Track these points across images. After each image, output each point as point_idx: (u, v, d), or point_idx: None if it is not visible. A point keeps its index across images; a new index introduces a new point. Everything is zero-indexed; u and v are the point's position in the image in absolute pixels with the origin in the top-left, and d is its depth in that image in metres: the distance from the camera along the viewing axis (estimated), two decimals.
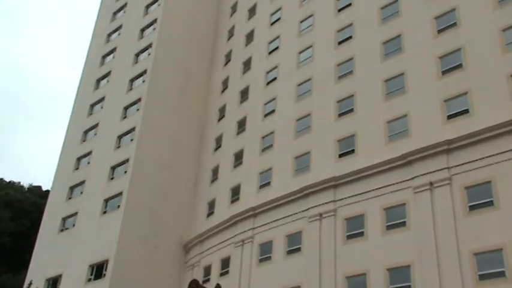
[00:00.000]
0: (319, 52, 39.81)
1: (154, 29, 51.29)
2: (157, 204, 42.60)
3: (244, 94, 45.06)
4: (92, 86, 54.10)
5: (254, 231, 36.59)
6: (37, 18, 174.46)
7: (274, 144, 39.03)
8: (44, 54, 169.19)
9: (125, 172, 43.17)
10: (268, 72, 43.47)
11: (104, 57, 55.72)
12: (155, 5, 53.56)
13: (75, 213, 45.26)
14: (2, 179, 68.00)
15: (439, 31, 32.60)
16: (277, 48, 44.00)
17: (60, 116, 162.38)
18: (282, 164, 37.28)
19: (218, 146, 45.53)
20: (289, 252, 33.69)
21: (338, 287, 29.89)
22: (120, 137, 46.37)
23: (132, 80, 49.57)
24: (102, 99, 51.68)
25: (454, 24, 32.04)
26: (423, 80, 31.82)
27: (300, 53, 41.35)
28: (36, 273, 44.19)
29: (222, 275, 37.84)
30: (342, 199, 32.35)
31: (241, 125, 43.42)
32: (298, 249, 33.20)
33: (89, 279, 40.01)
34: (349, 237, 31.01)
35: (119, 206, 41.51)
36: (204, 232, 41.01)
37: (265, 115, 41.38)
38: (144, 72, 48.52)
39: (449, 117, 29.61)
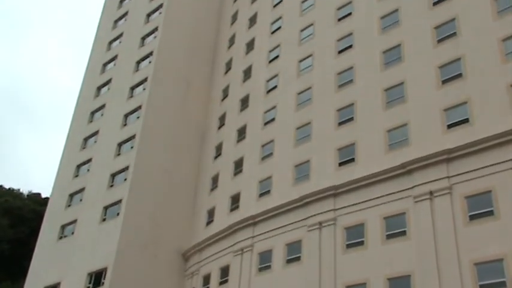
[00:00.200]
0: (319, 61, 39.92)
1: (155, 37, 51.46)
2: (156, 212, 42.51)
3: (244, 102, 45.12)
4: (92, 94, 54.19)
5: (254, 240, 36.48)
6: (38, 26, 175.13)
7: (274, 153, 39.02)
8: (45, 61, 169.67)
9: (125, 180, 43.11)
10: (268, 81, 43.56)
11: (105, 64, 55.87)
12: (156, 14, 53.80)
13: (75, 221, 45.14)
14: (1, 186, 68.04)
15: (439, 41, 32.71)
16: (277, 56, 44.13)
17: (61, 123, 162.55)
18: (282, 172, 37.25)
19: (218, 154, 45.52)
20: (289, 261, 33.55)
21: None
22: (120, 145, 46.37)
23: (132, 88, 49.67)
24: (102, 107, 51.75)
25: (454, 34, 32.15)
26: (423, 89, 31.87)
27: (300, 61, 41.45)
28: (35, 281, 44.03)
29: (221, 283, 37.69)
30: (342, 208, 32.28)
31: (241, 133, 43.44)
32: (298, 258, 33.08)
33: None
34: (349, 246, 30.91)
35: (118, 214, 41.41)
36: (204, 240, 40.88)
37: (265, 123, 41.41)
38: (145, 80, 48.63)
39: (449, 126, 29.63)
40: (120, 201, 41.97)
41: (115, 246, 39.19)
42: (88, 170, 47.94)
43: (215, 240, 39.88)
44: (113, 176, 44.73)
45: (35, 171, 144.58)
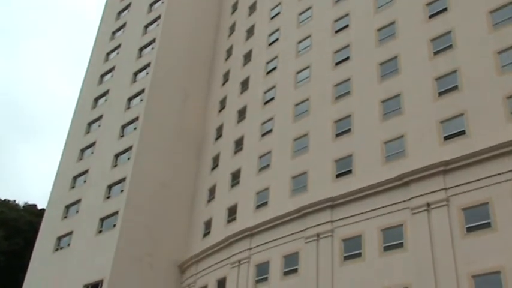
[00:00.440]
0: (316, 73, 40.09)
1: (153, 48, 51.64)
2: (153, 223, 42.33)
3: (241, 114, 45.19)
4: (89, 105, 54.20)
5: (251, 252, 36.32)
6: (37, 36, 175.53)
7: (271, 164, 39.00)
8: (42, 71, 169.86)
9: (121, 191, 42.98)
10: (265, 92, 43.69)
11: (103, 75, 55.97)
12: (154, 25, 54.02)
13: (70, 233, 44.89)
14: None
15: (435, 53, 32.93)
16: (274, 68, 44.30)
17: (57, 134, 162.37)
18: (279, 183, 37.21)
19: (215, 165, 45.46)
20: (286, 273, 33.38)
21: None
22: (117, 156, 46.29)
23: (130, 99, 49.72)
24: (99, 118, 51.74)
25: (450, 47, 32.38)
26: (420, 101, 32.00)
27: (298, 73, 41.62)
28: None
29: None
30: (339, 220, 32.22)
31: (239, 144, 43.45)
32: (295, 270, 32.92)
33: None
34: (347, 258, 30.81)
35: (114, 226, 41.23)
36: (200, 252, 40.68)
37: (263, 135, 41.44)
38: (142, 91, 48.70)
39: (446, 138, 29.71)
40: (116, 212, 41.80)
41: (111, 258, 38.94)
42: (84, 181, 47.78)
43: (212, 252, 39.69)
44: (110, 187, 44.58)
45: (31, 182, 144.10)
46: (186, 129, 48.78)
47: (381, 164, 31.94)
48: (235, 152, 43.38)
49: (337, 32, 40.58)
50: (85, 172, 48.35)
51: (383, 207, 30.31)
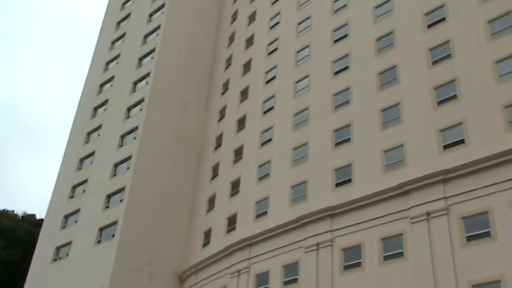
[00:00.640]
0: (315, 82, 40.22)
1: (152, 58, 51.80)
2: (152, 233, 42.20)
3: (241, 123, 45.25)
4: (89, 114, 54.26)
5: (250, 261, 36.20)
6: (36, 46, 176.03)
7: (271, 173, 38.99)
8: (41, 81, 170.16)
9: (121, 201, 42.91)
10: (265, 102, 43.78)
11: (102, 85, 56.08)
12: (153, 35, 54.25)
13: (69, 243, 44.73)
14: None
15: (434, 62, 33.09)
16: (274, 78, 44.43)
17: (57, 144, 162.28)
18: (279, 193, 37.19)
19: (215, 174, 45.44)
20: (286, 283, 33.25)
21: None
22: (116, 165, 46.25)
23: (129, 109, 49.79)
24: (99, 127, 51.78)
25: (449, 56, 32.54)
26: (419, 110, 32.10)
27: (297, 82, 41.75)
28: None
29: None
30: (339, 229, 32.17)
31: (238, 153, 43.46)
32: (295, 280, 32.80)
33: None
34: (347, 267, 30.72)
35: (113, 235, 41.10)
36: (200, 262, 40.54)
37: (262, 144, 41.47)
38: (142, 100, 48.78)
39: (446, 147, 29.77)
40: (115, 222, 41.69)
41: (110, 268, 38.78)
42: (84, 191, 47.71)
43: (212, 261, 39.56)
44: (109, 197, 44.51)
45: (30, 192, 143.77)
46: (186, 139, 48.80)
47: (381, 173, 31.97)
48: (235, 161, 43.39)
49: (336, 41, 40.78)
50: (84, 182, 48.29)
51: (383, 216, 30.28)
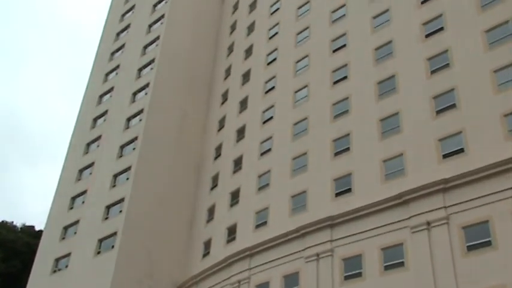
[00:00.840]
0: (314, 92, 40.30)
1: (151, 68, 51.93)
2: (152, 244, 42.03)
3: (240, 133, 45.27)
4: (88, 125, 54.26)
5: (251, 272, 36.01)
6: (36, 57, 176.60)
7: (270, 183, 38.93)
8: (41, 92, 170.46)
9: (120, 212, 42.79)
10: (264, 112, 43.84)
11: (102, 96, 56.16)
12: (153, 46, 54.42)
13: (69, 254, 44.52)
14: None
15: (432, 72, 33.19)
16: (273, 87, 44.53)
17: (56, 155, 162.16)
18: (279, 203, 37.11)
19: (214, 185, 45.36)
20: None
21: None
22: (115, 176, 46.18)
23: (128, 119, 49.80)
24: (98, 138, 51.77)
25: (447, 65, 32.65)
26: (418, 120, 32.15)
27: (296, 92, 41.83)
28: None
29: None
30: (339, 239, 32.06)
31: (238, 163, 43.43)
32: None
33: None
34: (347, 277, 30.57)
35: (113, 247, 40.91)
36: (200, 273, 40.34)
37: (262, 154, 41.45)
38: (141, 111, 48.82)
39: (445, 156, 29.77)
40: (115, 233, 41.53)
41: (110, 280, 38.54)
42: (83, 202, 47.59)
43: (212, 272, 39.35)
44: (108, 208, 44.40)
45: (29, 203, 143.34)
46: (185, 149, 48.79)
47: (380, 182, 31.93)
48: (235, 172, 43.33)
49: (334, 51, 40.92)
50: (84, 193, 48.19)
51: (383, 226, 30.20)
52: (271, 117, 42.70)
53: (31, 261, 49.20)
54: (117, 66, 57.02)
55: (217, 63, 56.03)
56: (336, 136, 36.35)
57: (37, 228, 66.92)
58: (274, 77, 45.02)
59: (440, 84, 32.24)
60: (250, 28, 52.24)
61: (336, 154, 35.64)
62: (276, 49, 46.83)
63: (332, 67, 40.10)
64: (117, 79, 55.56)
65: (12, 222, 69.04)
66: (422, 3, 36.55)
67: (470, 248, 26.37)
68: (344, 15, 42.09)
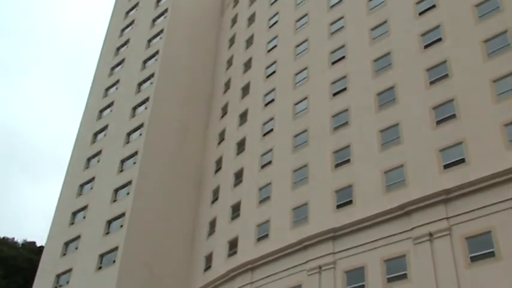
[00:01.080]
0: (314, 104, 40.34)
1: (151, 83, 52.09)
2: (153, 258, 41.83)
3: (240, 146, 45.25)
4: (89, 140, 54.30)
5: (252, 286, 35.73)
6: (36, 72, 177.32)
7: (271, 196, 38.81)
8: (41, 108, 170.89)
9: (121, 226, 42.65)
10: (264, 124, 43.85)
11: (102, 110, 56.29)
12: (152, 60, 54.66)
13: (70, 270, 44.30)
14: None
15: (432, 82, 33.24)
16: (273, 100, 44.60)
17: (57, 170, 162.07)
18: (280, 215, 36.96)
19: (215, 198, 45.24)
20: None
21: None
22: (116, 191, 46.12)
23: (129, 134, 49.87)
24: (99, 153, 51.78)
25: (446, 76, 32.70)
26: (418, 130, 32.12)
27: (296, 104, 41.88)
28: None
29: None
30: (341, 251, 31.86)
31: (238, 176, 43.34)
32: None
33: None
34: None
35: (114, 262, 40.72)
36: (202, 287, 40.06)
37: (262, 166, 41.38)
38: (141, 125, 48.89)
39: (446, 166, 29.69)
40: (116, 248, 41.36)
41: None
42: (84, 217, 47.46)
43: (213, 286, 39.08)
44: (109, 222, 44.27)
45: (31, 220, 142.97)
46: (186, 163, 48.75)
47: (382, 193, 31.81)
48: (235, 185, 43.23)
49: (333, 63, 41.04)
50: (84, 208, 48.07)
51: (385, 237, 30.03)
52: (271, 130, 42.72)
53: (32, 278, 48.94)
54: (117, 81, 57.21)
55: (216, 77, 56.21)
56: (336, 148, 36.31)
57: (38, 244, 66.68)
58: (273, 90, 45.11)
59: (440, 94, 32.27)
60: (249, 41, 52.48)
61: (337, 166, 35.57)
62: (275, 62, 46.99)
63: (331, 79, 40.19)
64: (117, 94, 55.72)
65: (14, 238, 68.85)
66: (420, 14, 36.73)
67: (473, 259, 26.18)
68: (342, 27, 42.29)
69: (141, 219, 42.83)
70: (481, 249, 26.07)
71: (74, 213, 48.80)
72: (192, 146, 50.30)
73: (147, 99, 50.75)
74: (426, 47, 34.96)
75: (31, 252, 63.24)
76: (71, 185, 51.89)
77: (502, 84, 29.77)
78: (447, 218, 27.90)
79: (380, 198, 31.66)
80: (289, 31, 47.38)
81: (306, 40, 44.96)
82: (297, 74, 43.71)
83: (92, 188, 49.30)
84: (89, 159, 52.49)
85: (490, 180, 27.02)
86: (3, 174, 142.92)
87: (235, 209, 41.55)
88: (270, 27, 50.37)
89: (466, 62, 32.13)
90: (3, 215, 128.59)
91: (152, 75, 52.55)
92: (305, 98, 41.38)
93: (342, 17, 42.83)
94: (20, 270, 59.97)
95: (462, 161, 29.20)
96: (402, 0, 38.53)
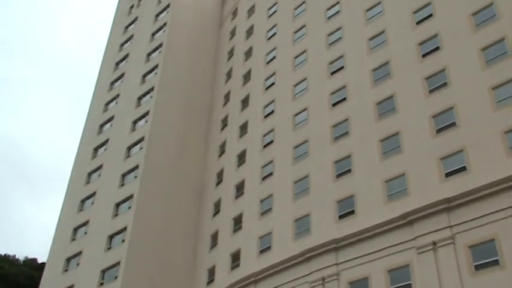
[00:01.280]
0: (314, 114, 40.36)
1: (151, 97, 52.19)
2: (156, 273, 41.56)
3: (241, 158, 45.20)
4: (89, 155, 54.29)
5: None
6: (36, 90, 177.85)
7: (273, 208, 38.68)
8: (41, 123, 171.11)
9: (123, 241, 42.43)
10: (264, 136, 43.84)
11: (102, 125, 56.37)
12: (152, 74, 54.83)
13: (71, 286, 43.98)
14: None
15: (431, 91, 33.27)
16: (272, 112, 44.63)
17: (58, 186, 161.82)
18: (282, 227, 36.80)
19: (217, 211, 45.09)
20: None
21: None
22: (118, 205, 45.99)
23: (129, 148, 49.86)
24: (99, 167, 51.72)
25: (445, 84, 32.74)
26: (419, 139, 32.08)
27: (295, 115, 41.90)
28: None
29: None
30: (345, 262, 31.66)
31: (239, 188, 43.23)
32: None
33: None
34: None
35: (116, 277, 40.44)
36: None
37: (263, 178, 41.29)
38: (142, 139, 48.90)
39: (447, 174, 29.61)
40: (118, 263, 41.13)
41: None
42: (85, 232, 47.27)
43: None
44: (111, 237, 44.06)
45: (32, 236, 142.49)
46: (187, 176, 48.68)
47: (384, 203, 31.69)
48: (237, 197, 43.12)
49: (332, 73, 41.13)
50: (86, 223, 47.90)
51: (388, 247, 29.86)
52: (272, 141, 42.69)
53: None
54: (117, 96, 57.35)
55: (216, 89, 56.34)
56: (336, 158, 36.25)
57: (40, 261, 66.43)
58: (273, 101, 45.17)
59: (439, 103, 32.28)
60: (248, 53, 52.68)
61: (338, 176, 35.49)
62: (274, 73, 47.11)
63: (330, 89, 40.25)
64: (117, 108, 55.83)
65: (15, 255, 68.64)
66: (417, 23, 36.89)
67: (478, 268, 25.99)
68: (340, 37, 42.45)
69: (143, 233, 42.65)
70: (485, 257, 25.89)
71: (75, 229, 48.61)
72: (193, 159, 50.27)
73: (147, 113, 50.83)
74: (424, 55, 35.06)
75: (32, 269, 62.99)
76: (72, 200, 51.77)
77: (501, 91, 29.80)
78: (450, 227, 27.75)
79: (382, 207, 31.54)
80: (288, 43, 47.58)
81: (305, 51, 45.12)
82: (296, 85, 43.80)
83: (93, 203, 49.18)
84: (89, 174, 52.44)
85: (491, 187, 26.91)
86: (4, 191, 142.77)
87: (237, 222, 41.39)
88: (269, 39, 50.59)
89: (464, 70, 32.19)
90: (4, 232, 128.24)
91: (152, 89, 52.69)
92: (305, 109, 41.42)
93: (339, 28, 43.02)
94: (21, 287, 59.65)
95: (463, 169, 29.12)
96: (399, 9, 38.73)
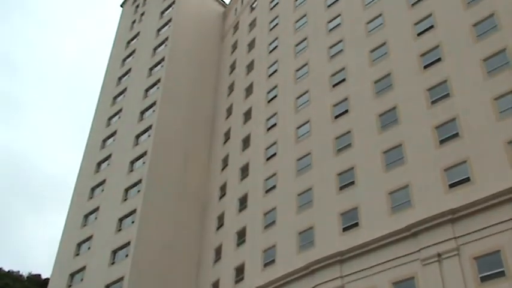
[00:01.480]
0: (316, 126, 40.38)
1: (154, 110, 52.38)
2: (160, 287, 41.32)
3: (244, 171, 45.16)
4: (92, 170, 54.36)
5: None
6: (38, 105, 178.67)
7: (276, 221, 38.54)
8: (45, 139, 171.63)
9: (126, 256, 42.31)
10: (267, 148, 43.84)
11: (105, 140, 56.51)
12: (154, 88, 55.06)
13: None
14: (0, 268, 66.49)
15: (433, 102, 33.27)
16: (275, 124, 44.68)
17: (61, 201, 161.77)
18: (286, 240, 36.64)
19: (220, 224, 44.96)
20: None
21: None
22: (121, 220, 45.94)
23: (132, 162, 49.94)
24: (103, 182, 51.75)
25: (447, 95, 32.75)
26: (422, 150, 32.02)
27: (298, 128, 41.92)
28: None
29: None
30: (349, 274, 31.46)
31: (243, 202, 43.15)
32: None
33: None
34: None
35: None
36: None
37: (266, 191, 41.22)
38: (145, 153, 48.97)
39: (451, 186, 29.50)
40: (122, 278, 40.98)
41: None
42: (89, 247, 47.18)
43: None
44: (114, 252, 43.96)
45: (36, 252, 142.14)
46: (190, 190, 48.64)
47: (388, 215, 31.56)
48: (240, 210, 43.01)
49: (334, 85, 41.21)
50: (89, 238, 47.83)
51: (393, 259, 29.68)
52: (275, 154, 42.68)
53: None
54: (120, 110, 57.57)
55: (218, 103, 56.50)
56: (340, 170, 36.19)
57: (44, 277, 66.13)
58: (275, 114, 45.24)
59: (442, 114, 32.26)
60: (250, 67, 52.89)
61: (341, 188, 35.41)
62: (276, 86, 47.24)
63: (332, 101, 40.30)
64: (120, 122, 55.99)
65: (19, 271, 68.33)
66: (418, 35, 37.00)
67: (483, 279, 25.78)
68: (342, 50, 42.60)
69: (147, 248, 42.53)
70: (490, 269, 25.70)
71: (79, 244, 48.52)
72: (196, 173, 50.26)
73: (149, 127, 50.97)
74: (426, 67, 35.12)
75: (36, 285, 62.74)
76: (75, 215, 51.74)
77: (503, 102, 29.78)
78: (455, 238, 27.59)
79: (386, 219, 31.40)
80: (289, 55, 47.77)
81: (306, 64, 45.27)
82: (298, 98, 43.88)
83: (96, 218, 49.15)
84: (93, 189, 52.47)
85: (496, 198, 26.78)
86: (8, 207, 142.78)
87: (241, 235, 41.24)
88: (270, 52, 50.81)
89: (466, 81, 32.20)
90: (8, 248, 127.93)
91: (154, 103, 52.90)
92: (307, 121, 41.44)
93: (341, 40, 43.20)
94: None
95: (467, 179, 29.01)
96: (400, 21, 38.89)
